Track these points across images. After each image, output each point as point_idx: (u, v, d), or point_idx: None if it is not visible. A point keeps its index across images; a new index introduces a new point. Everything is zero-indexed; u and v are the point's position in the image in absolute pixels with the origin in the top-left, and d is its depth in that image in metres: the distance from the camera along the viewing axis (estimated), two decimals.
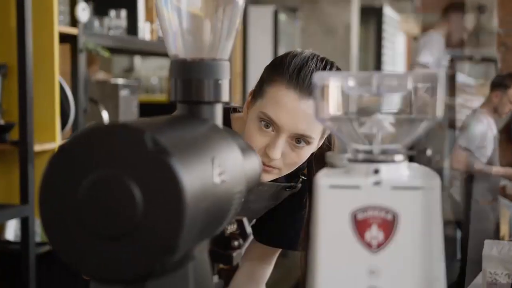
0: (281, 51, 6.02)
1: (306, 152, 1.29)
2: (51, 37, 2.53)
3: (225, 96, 0.77)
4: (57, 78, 2.57)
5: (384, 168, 0.66)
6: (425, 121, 0.67)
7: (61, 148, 0.61)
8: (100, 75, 4.10)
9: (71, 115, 2.67)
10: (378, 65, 7.65)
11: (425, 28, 9.78)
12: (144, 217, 0.59)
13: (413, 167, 0.71)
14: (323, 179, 0.67)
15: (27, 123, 2.36)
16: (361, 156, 0.68)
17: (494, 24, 9.62)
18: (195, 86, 0.76)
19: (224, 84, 0.77)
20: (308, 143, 1.27)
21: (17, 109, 2.41)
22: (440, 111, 0.66)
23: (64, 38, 2.71)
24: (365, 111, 0.70)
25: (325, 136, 1.34)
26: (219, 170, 0.67)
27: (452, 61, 4.47)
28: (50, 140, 2.56)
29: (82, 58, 2.76)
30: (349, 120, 0.69)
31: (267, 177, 1.30)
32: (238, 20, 0.80)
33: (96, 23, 3.02)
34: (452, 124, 4.83)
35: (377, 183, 0.65)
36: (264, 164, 1.26)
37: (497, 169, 4.53)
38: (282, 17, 5.27)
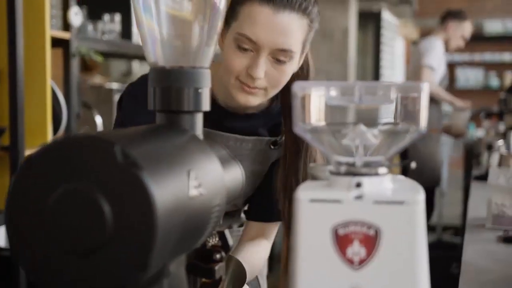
0: None
1: (289, 68, 1.26)
2: (43, 41, 2.50)
3: (205, 105, 0.75)
4: (49, 82, 2.54)
5: (366, 181, 0.64)
6: (409, 133, 0.64)
7: (29, 159, 0.58)
8: (97, 79, 4.08)
9: (63, 120, 2.64)
10: (376, 69, 7.63)
11: (424, 33, 9.79)
12: (114, 232, 0.56)
13: (398, 179, 0.69)
14: (303, 192, 0.64)
15: (18, 128, 2.33)
16: (343, 168, 0.66)
17: None
18: (174, 94, 0.73)
19: (205, 92, 0.75)
20: (289, 58, 1.24)
21: (8, 114, 2.38)
22: (424, 123, 0.63)
23: (57, 42, 2.68)
24: (347, 122, 0.67)
25: (305, 52, 1.32)
26: (196, 183, 0.64)
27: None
28: (41, 145, 2.53)
29: (75, 63, 2.73)
30: (331, 131, 0.67)
31: (254, 100, 1.28)
32: (219, 25, 0.78)
33: (90, 27, 2.99)
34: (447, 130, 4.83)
35: (358, 197, 0.63)
36: (248, 86, 1.25)
37: (446, 95, 4.58)
38: None
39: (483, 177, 2.62)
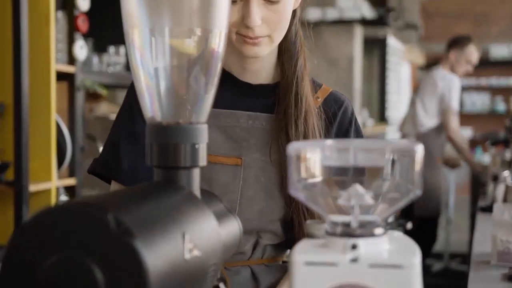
0: None
1: (286, 5, 1.19)
2: (48, 75, 2.52)
3: (202, 161, 0.75)
4: (54, 116, 2.55)
5: (362, 243, 0.64)
6: (405, 195, 0.64)
7: (22, 227, 0.58)
8: (104, 107, 4.09)
9: (67, 154, 2.64)
10: (382, 95, 7.64)
11: (430, 57, 9.82)
12: None
13: (394, 237, 0.69)
14: (299, 255, 0.64)
15: (22, 163, 2.34)
16: (338, 229, 0.65)
17: None
18: (171, 151, 0.73)
19: (202, 148, 0.75)
20: None
21: (13, 149, 2.39)
22: (419, 187, 0.63)
23: (62, 76, 2.70)
24: (343, 181, 0.67)
25: None
26: (191, 245, 0.64)
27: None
28: (46, 179, 2.54)
29: (80, 96, 2.75)
30: (326, 191, 0.66)
31: (261, 50, 1.21)
32: (216, 79, 0.77)
33: (95, 59, 3.01)
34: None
35: (354, 260, 0.63)
36: (250, 37, 1.18)
37: (468, 151, 4.62)
38: None
39: (489, 209, 2.60)
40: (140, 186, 0.70)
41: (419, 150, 0.63)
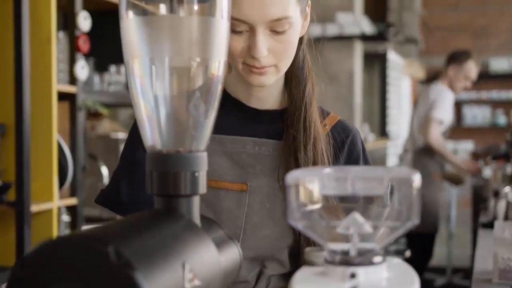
0: None
1: (292, 35, 1.17)
2: (49, 96, 2.53)
3: (202, 188, 0.76)
4: (55, 137, 2.56)
5: (361, 271, 0.64)
6: (403, 225, 0.65)
7: (23, 260, 0.59)
8: (105, 125, 4.11)
9: (69, 174, 2.65)
10: (383, 109, 7.66)
11: (430, 71, 9.85)
12: None
13: (393, 265, 0.69)
14: (298, 284, 0.64)
15: (23, 184, 2.35)
16: (337, 258, 0.66)
17: (416, 5, 9.63)
18: (171, 179, 0.74)
19: (201, 176, 0.76)
20: (288, 25, 1.15)
21: (14, 169, 2.40)
22: (417, 215, 0.64)
23: (63, 96, 2.71)
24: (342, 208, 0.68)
25: (307, 9, 1.24)
26: (191, 275, 0.65)
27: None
28: (47, 200, 2.54)
29: (81, 116, 2.76)
30: (325, 219, 0.67)
31: (267, 79, 1.19)
32: (216, 106, 0.78)
33: (97, 78, 3.03)
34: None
35: None
36: (256, 67, 1.17)
37: (452, 156, 4.58)
38: None
39: (491, 225, 2.60)
40: (140, 215, 0.71)
41: (417, 178, 0.64)
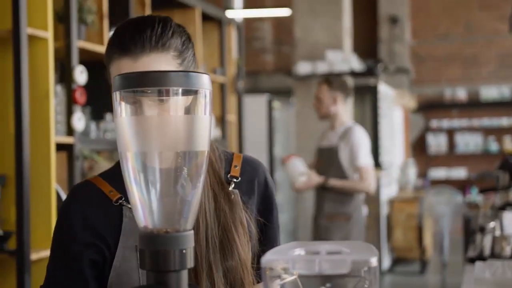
0: (277, 137, 6.15)
1: (174, 106, 0.95)
2: (48, 147, 2.63)
3: (190, 263, 0.86)
4: (54, 187, 2.66)
5: None
6: None
7: None
8: (103, 164, 4.18)
9: None
10: (375, 140, 7.75)
11: (421, 101, 9.98)
12: None
13: None
14: None
15: (23, 233, 2.44)
16: None
17: (406, 36, 9.76)
18: (162, 257, 0.84)
19: (188, 252, 0.86)
20: (173, 93, 0.93)
21: (15, 219, 2.49)
22: None
23: (61, 146, 2.82)
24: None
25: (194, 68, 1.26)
26: None
27: None
28: (47, 247, 2.63)
29: (78, 165, 2.86)
30: None
31: None
32: (200, 188, 0.89)
33: (93, 126, 3.13)
34: None
35: None
36: None
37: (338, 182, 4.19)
38: (276, 104, 5.42)
39: (479, 258, 2.66)
40: None
41: (374, 261, 0.74)
